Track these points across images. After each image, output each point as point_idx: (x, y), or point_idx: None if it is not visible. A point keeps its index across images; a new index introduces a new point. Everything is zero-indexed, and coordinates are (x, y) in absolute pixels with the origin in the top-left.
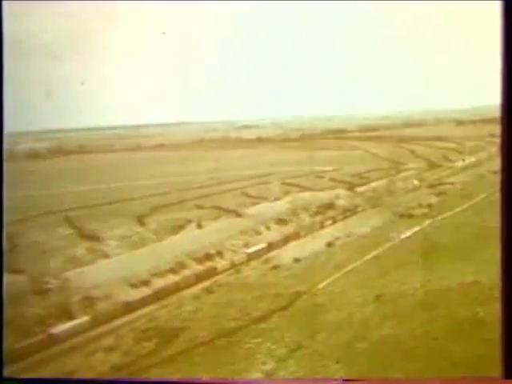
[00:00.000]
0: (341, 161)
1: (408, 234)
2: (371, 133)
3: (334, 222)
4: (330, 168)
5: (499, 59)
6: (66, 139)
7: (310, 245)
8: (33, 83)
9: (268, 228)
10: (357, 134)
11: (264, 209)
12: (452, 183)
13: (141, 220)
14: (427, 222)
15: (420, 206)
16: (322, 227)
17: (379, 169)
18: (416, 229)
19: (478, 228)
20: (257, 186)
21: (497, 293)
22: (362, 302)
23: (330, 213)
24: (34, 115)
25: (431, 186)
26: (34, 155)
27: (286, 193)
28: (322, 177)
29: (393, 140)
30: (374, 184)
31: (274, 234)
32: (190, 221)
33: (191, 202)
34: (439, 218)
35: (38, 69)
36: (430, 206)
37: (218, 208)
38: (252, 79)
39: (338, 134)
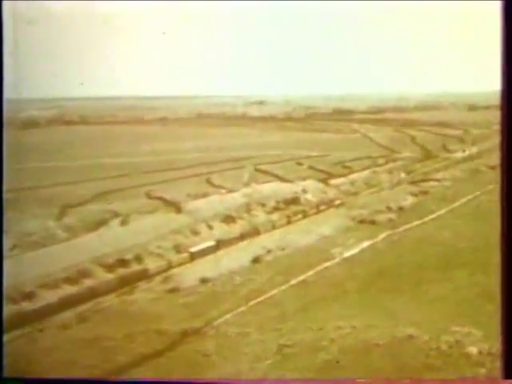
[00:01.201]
0: (332, 145)
1: (354, 251)
2: (377, 115)
3: (288, 222)
4: (317, 153)
5: None
6: (69, 108)
7: (231, 258)
8: (38, 50)
9: (210, 227)
10: (362, 115)
11: (213, 202)
12: (439, 180)
13: (64, 211)
14: (385, 233)
15: (389, 209)
16: (275, 227)
17: (368, 157)
18: (366, 244)
19: (446, 247)
20: (227, 172)
21: (434, 357)
22: (259, 352)
23: (291, 210)
24: (38, 82)
25: (414, 183)
26: (30, 124)
27: (253, 182)
28: (302, 164)
29: (397, 124)
30: (354, 176)
31: (218, 233)
32: (117, 215)
33: (142, 189)
34: (402, 228)
35: (43, 36)
36: (400, 209)
37: (161, 199)
38: (271, 54)
39: (345, 115)
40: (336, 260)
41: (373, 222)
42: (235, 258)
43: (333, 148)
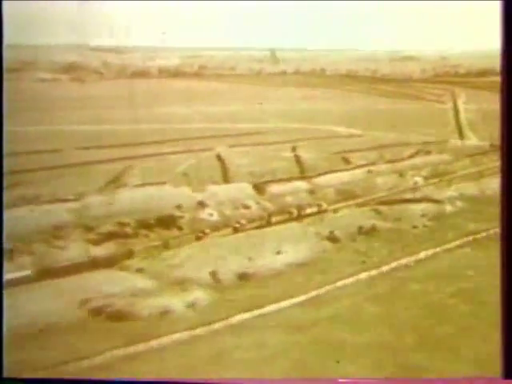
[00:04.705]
0: (388, 121)
1: None
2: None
3: (93, 267)
4: (349, 133)
5: None
6: (197, 58)
7: None
8: None
9: None
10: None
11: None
12: (440, 201)
13: None
14: None
15: (237, 274)
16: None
17: (405, 144)
18: None
19: None
20: (169, 157)
21: None
22: None
23: (135, 240)
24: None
25: (388, 204)
26: (139, 74)
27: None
28: (295, 149)
29: None
30: (335, 176)
31: None
32: None
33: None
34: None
35: None
36: (241, 277)
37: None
38: (430, 6)
39: (478, 77)
40: None
41: (118, 319)
42: None
43: (383, 125)
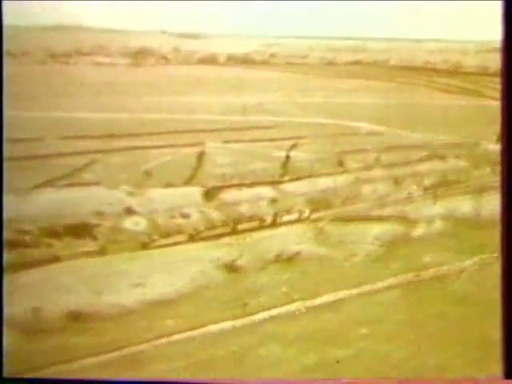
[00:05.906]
0: (426, 119)
1: None
2: None
3: None
4: (375, 130)
5: None
6: (268, 46)
7: None
8: None
9: None
10: None
11: None
12: (410, 220)
13: None
14: None
15: None
16: None
17: (425, 145)
18: None
19: None
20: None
21: None
22: None
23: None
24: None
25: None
26: (207, 61)
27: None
28: (294, 147)
29: None
30: (308, 182)
31: None
32: None
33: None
34: None
35: None
36: (73, 317)
37: None
38: None
39: None
40: None
41: None
42: None
43: (416, 123)
